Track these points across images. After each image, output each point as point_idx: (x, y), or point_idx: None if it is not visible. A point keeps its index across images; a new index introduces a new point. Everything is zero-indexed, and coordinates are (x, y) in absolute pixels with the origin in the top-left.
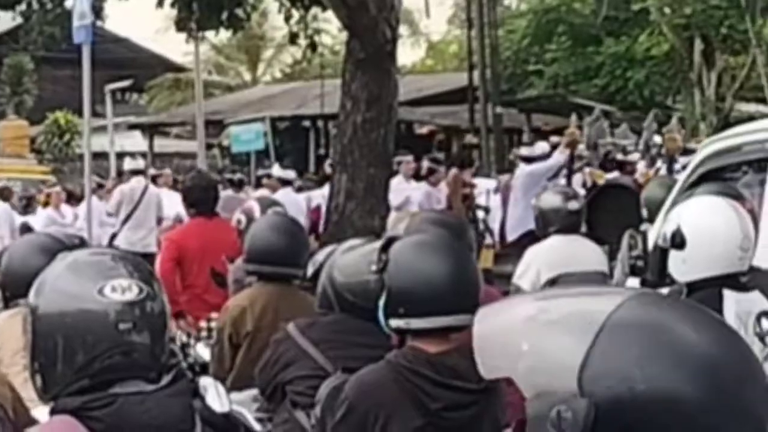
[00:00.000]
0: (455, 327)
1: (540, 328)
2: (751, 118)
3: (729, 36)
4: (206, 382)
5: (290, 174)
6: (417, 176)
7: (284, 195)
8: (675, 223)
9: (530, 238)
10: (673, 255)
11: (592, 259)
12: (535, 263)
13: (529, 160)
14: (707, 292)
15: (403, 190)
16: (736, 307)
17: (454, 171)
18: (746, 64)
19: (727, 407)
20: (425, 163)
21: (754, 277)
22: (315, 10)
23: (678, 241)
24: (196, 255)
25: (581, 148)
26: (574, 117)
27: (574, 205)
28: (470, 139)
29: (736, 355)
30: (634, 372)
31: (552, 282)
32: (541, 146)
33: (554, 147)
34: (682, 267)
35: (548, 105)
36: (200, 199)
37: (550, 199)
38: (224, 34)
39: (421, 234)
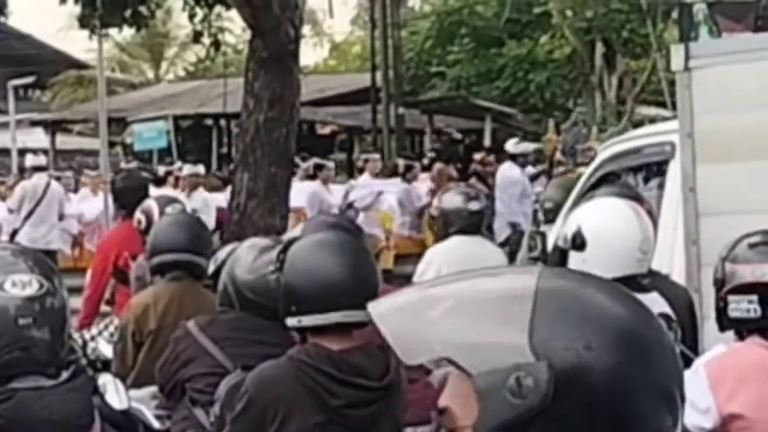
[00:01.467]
0: (355, 324)
1: (465, 309)
2: (651, 121)
3: (630, 40)
4: (105, 379)
5: (199, 170)
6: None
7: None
8: (575, 224)
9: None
10: (573, 256)
11: (492, 259)
12: (436, 263)
13: (512, 156)
14: None
15: (370, 187)
16: None
17: (438, 165)
18: (647, 67)
19: (645, 372)
20: (400, 161)
21: (653, 280)
22: (219, 8)
23: (578, 242)
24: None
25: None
26: (551, 123)
27: (474, 205)
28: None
29: (654, 325)
30: (585, 332)
31: None
32: (524, 146)
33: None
34: (581, 268)
35: (450, 106)
36: (129, 199)
37: (452, 200)
38: (128, 32)
39: (319, 234)
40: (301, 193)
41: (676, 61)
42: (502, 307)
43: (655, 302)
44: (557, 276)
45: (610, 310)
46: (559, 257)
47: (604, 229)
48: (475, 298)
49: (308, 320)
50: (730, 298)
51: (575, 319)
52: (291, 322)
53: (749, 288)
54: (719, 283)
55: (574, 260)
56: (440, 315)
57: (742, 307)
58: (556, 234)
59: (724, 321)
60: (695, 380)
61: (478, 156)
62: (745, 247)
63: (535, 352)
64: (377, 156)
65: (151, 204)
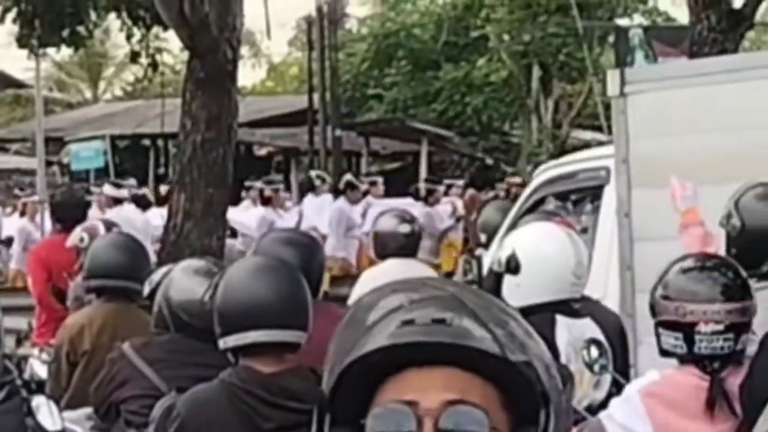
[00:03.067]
0: (286, 345)
1: None
2: (587, 145)
3: (566, 64)
4: (39, 401)
5: (123, 192)
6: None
7: (117, 213)
8: (510, 248)
9: None
10: (508, 280)
11: None
12: (370, 286)
13: None
14: (540, 316)
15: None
16: (567, 333)
17: (471, 191)
18: (583, 92)
19: None
20: (422, 184)
21: (586, 305)
22: (157, 29)
23: (513, 266)
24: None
25: None
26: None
27: (406, 228)
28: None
29: None
30: None
31: None
32: None
33: None
34: (516, 291)
35: (387, 129)
36: (67, 215)
37: (386, 223)
38: (66, 51)
39: (254, 257)
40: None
41: (612, 87)
42: None
43: (588, 328)
44: None
45: None
46: (494, 281)
47: (539, 253)
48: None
49: (231, 340)
50: (660, 330)
51: None
52: (220, 343)
53: (675, 325)
54: (653, 313)
55: (509, 284)
56: None
57: (670, 341)
58: (491, 258)
59: (660, 350)
60: (629, 407)
61: None
62: (675, 277)
63: None
64: (380, 179)
65: (96, 224)
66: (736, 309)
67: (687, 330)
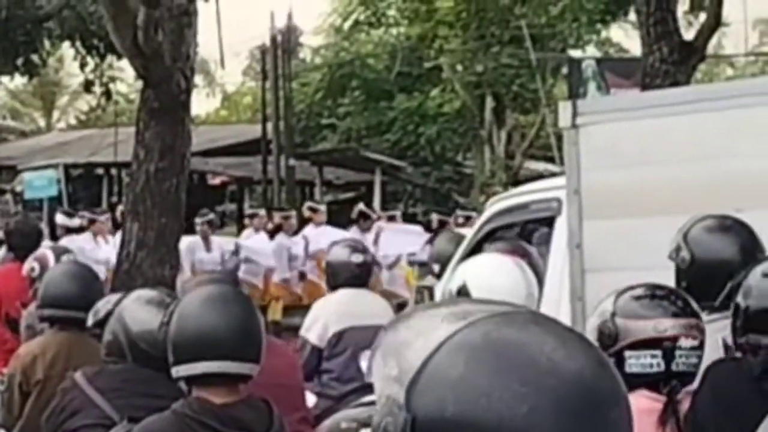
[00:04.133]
0: (239, 377)
1: (390, 340)
2: (539, 176)
3: (519, 95)
4: None
5: (75, 222)
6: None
7: (70, 242)
8: (461, 279)
9: None
10: None
11: (379, 312)
12: (323, 316)
13: None
14: None
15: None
16: None
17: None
18: (536, 122)
19: None
20: (434, 215)
21: None
22: (111, 58)
23: (463, 297)
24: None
25: None
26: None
27: (359, 258)
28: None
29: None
30: (447, 394)
31: (339, 335)
32: None
33: None
34: None
35: (341, 158)
36: (20, 244)
37: (338, 253)
38: (20, 80)
39: (209, 286)
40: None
41: (564, 118)
42: (407, 347)
43: None
44: (497, 325)
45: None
46: None
47: (489, 284)
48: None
49: (183, 369)
50: (628, 353)
51: (455, 378)
52: (173, 371)
53: (651, 343)
54: (612, 338)
55: None
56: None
57: (644, 362)
58: (442, 288)
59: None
60: None
61: None
62: (632, 301)
63: (408, 399)
64: (322, 207)
65: (46, 252)
66: (701, 327)
67: (667, 346)
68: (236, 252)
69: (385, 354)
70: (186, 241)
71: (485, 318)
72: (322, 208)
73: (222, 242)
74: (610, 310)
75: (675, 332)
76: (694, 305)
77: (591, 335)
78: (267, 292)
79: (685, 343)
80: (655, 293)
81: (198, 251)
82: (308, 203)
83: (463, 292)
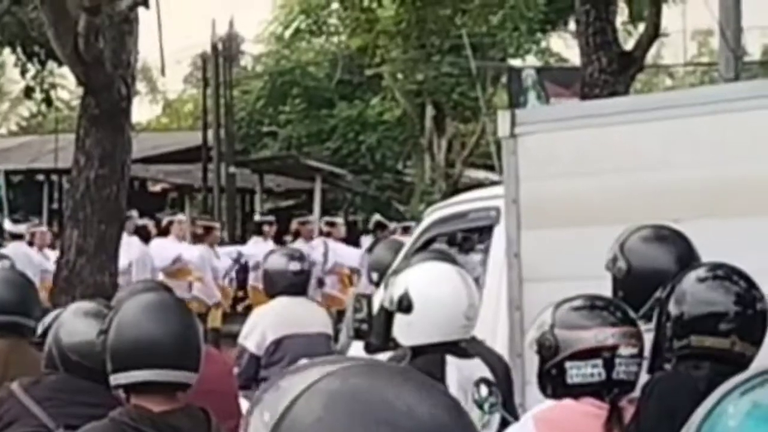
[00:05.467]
0: (177, 385)
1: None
2: (480, 184)
3: (460, 103)
4: None
5: (21, 228)
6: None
7: (14, 249)
8: (403, 287)
9: None
10: (399, 319)
11: (316, 321)
12: (261, 324)
13: None
14: (430, 357)
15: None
16: (457, 373)
17: None
18: (476, 131)
19: None
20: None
21: (473, 345)
22: (52, 65)
23: (405, 304)
24: None
25: None
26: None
27: (296, 266)
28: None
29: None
30: None
31: (277, 343)
32: None
33: None
34: (407, 331)
35: (281, 166)
36: None
37: (276, 261)
38: None
39: (145, 294)
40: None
41: (503, 128)
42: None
43: (478, 368)
44: (351, 373)
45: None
46: (385, 319)
47: (432, 293)
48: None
49: (123, 377)
50: (569, 364)
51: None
52: (111, 379)
53: (592, 353)
54: (552, 350)
55: (400, 323)
56: None
57: (585, 372)
58: (382, 296)
59: (558, 389)
60: (523, 430)
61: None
62: (571, 311)
63: None
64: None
65: None
66: (640, 334)
67: (607, 355)
68: (237, 260)
69: (263, 406)
70: (198, 251)
71: (347, 367)
72: (340, 221)
73: (228, 251)
74: (549, 321)
75: (614, 341)
76: (632, 314)
77: (530, 348)
78: None
79: (624, 351)
80: (593, 303)
81: (213, 259)
82: (326, 218)
83: (404, 300)
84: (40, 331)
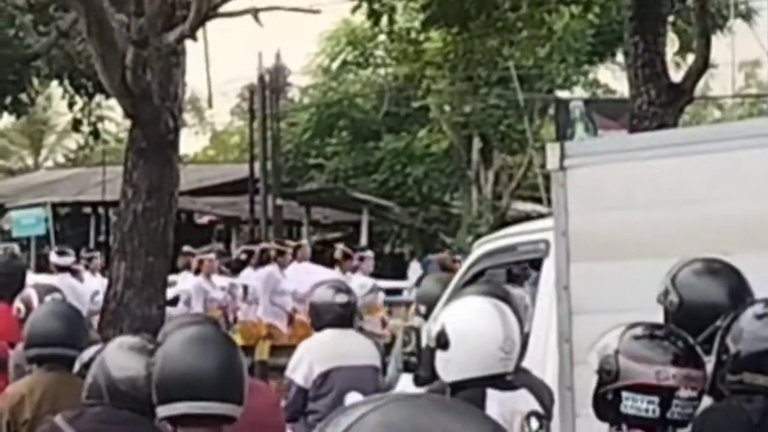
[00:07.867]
0: (223, 418)
1: None
2: (527, 217)
3: (507, 135)
4: None
5: (67, 260)
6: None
7: (61, 280)
8: (440, 323)
9: None
10: (439, 355)
11: (364, 353)
12: (308, 357)
13: None
14: (470, 391)
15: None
16: (498, 406)
17: None
18: (523, 163)
19: None
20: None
21: (520, 377)
22: (99, 97)
23: (442, 341)
24: None
25: None
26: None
27: (343, 298)
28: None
29: None
30: None
31: (324, 375)
32: None
33: None
34: (446, 367)
35: (328, 198)
36: (5, 283)
37: (322, 294)
38: (8, 119)
39: (194, 327)
40: None
41: (552, 160)
42: None
43: (523, 399)
44: (395, 407)
45: None
46: (428, 355)
47: (467, 328)
48: None
49: (166, 410)
50: (626, 394)
51: None
52: (157, 412)
53: (651, 389)
54: (612, 375)
55: (440, 359)
56: None
57: (640, 405)
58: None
59: (610, 414)
60: None
61: None
62: (638, 341)
63: None
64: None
65: (30, 293)
66: (703, 377)
67: (665, 394)
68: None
69: None
70: (265, 273)
71: (392, 399)
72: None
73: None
74: (614, 346)
75: (675, 383)
76: (699, 352)
77: (591, 369)
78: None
79: (683, 393)
80: (662, 335)
81: (278, 282)
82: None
83: (441, 337)
84: (77, 367)
